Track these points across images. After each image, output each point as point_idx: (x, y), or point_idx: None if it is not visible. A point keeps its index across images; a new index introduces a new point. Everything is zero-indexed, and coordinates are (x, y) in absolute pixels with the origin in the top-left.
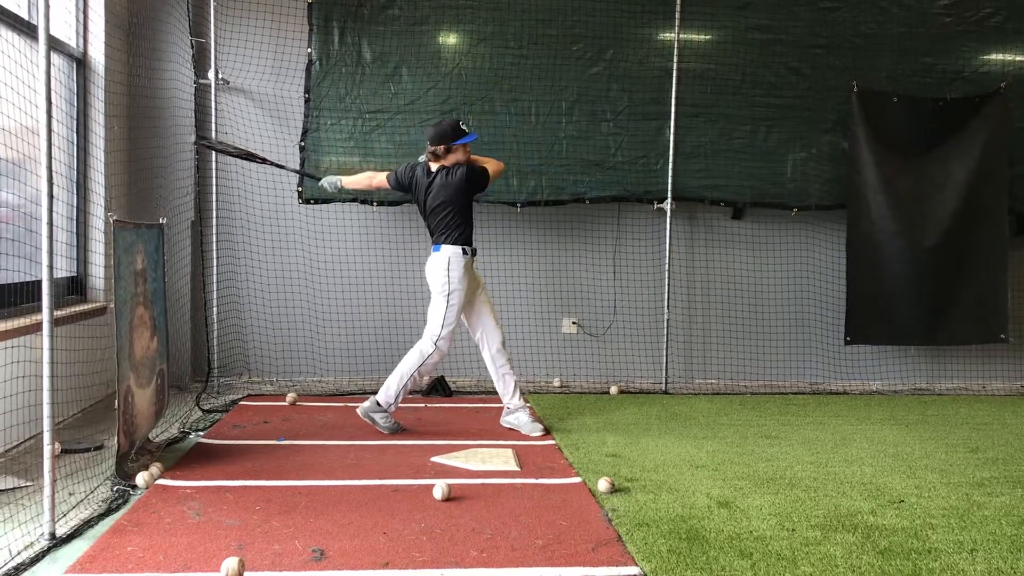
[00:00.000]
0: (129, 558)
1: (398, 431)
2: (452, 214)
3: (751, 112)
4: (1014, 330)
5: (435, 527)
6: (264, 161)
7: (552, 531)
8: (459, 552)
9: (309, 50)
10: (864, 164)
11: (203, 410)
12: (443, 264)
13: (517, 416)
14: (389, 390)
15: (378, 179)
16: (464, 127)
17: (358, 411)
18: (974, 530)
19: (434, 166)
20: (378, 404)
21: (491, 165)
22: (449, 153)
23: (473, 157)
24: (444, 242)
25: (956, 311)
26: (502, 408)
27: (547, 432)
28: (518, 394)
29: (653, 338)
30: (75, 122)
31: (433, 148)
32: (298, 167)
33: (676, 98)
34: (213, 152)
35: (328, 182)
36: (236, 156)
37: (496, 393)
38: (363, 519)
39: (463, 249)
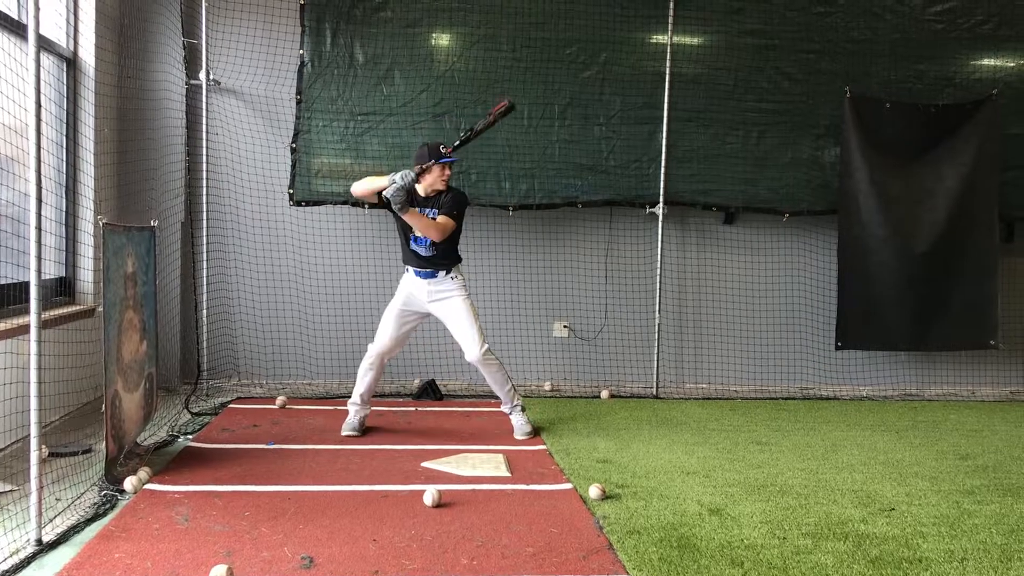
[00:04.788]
0: (116, 565)
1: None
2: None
3: (743, 117)
4: (1003, 337)
5: (425, 534)
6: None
7: (543, 538)
8: (449, 560)
9: (301, 51)
10: (856, 170)
11: (192, 413)
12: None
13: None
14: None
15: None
16: (444, 149)
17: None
18: (964, 539)
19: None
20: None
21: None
22: (424, 173)
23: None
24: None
25: (946, 317)
26: (493, 411)
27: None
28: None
29: (644, 342)
30: (64, 123)
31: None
32: (289, 170)
33: (669, 102)
34: (204, 154)
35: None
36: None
37: (488, 397)
38: (353, 525)
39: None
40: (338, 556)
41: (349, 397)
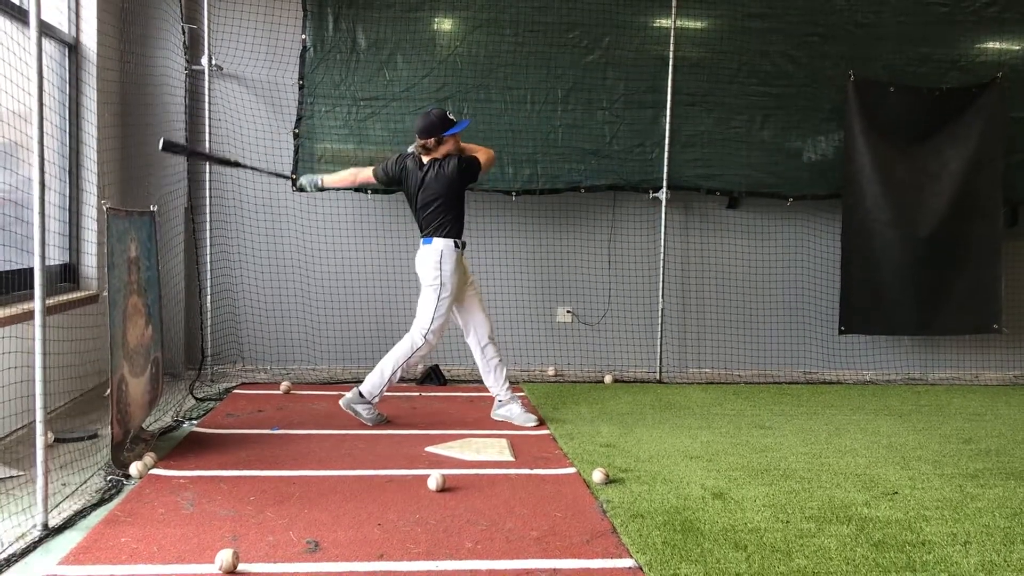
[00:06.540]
0: (123, 549)
1: (382, 422)
2: (444, 208)
3: (747, 101)
4: (1007, 321)
5: (429, 518)
6: (236, 164)
7: (547, 522)
8: (453, 544)
9: (303, 36)
10: (860, 154)
11: (197, 398)
12: (434, 257)
13: (509, 408)
14: (373, 382)
15: (363, 175)
16: (451, 116)
17: (340, 403)
18: (967, 522)
19: (426, 159)
20: (361, 395)
21: (482, 155)
22: (440, 145)
23: (463, 145)
24: (435, 235)
25: (950, 301)
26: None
27: (541, 423)
28: (507, 385)
29: (647, 327)
30: (67, 109)
31: (423, 141)
32: (292, 155)
33: (672, 86)
34: (206, 140)
35: (308, 181)
36: (206, 160)
37: None
38: (357, 510)
39: (455, 242)
40: (343, 540)
41: (353, 382)
